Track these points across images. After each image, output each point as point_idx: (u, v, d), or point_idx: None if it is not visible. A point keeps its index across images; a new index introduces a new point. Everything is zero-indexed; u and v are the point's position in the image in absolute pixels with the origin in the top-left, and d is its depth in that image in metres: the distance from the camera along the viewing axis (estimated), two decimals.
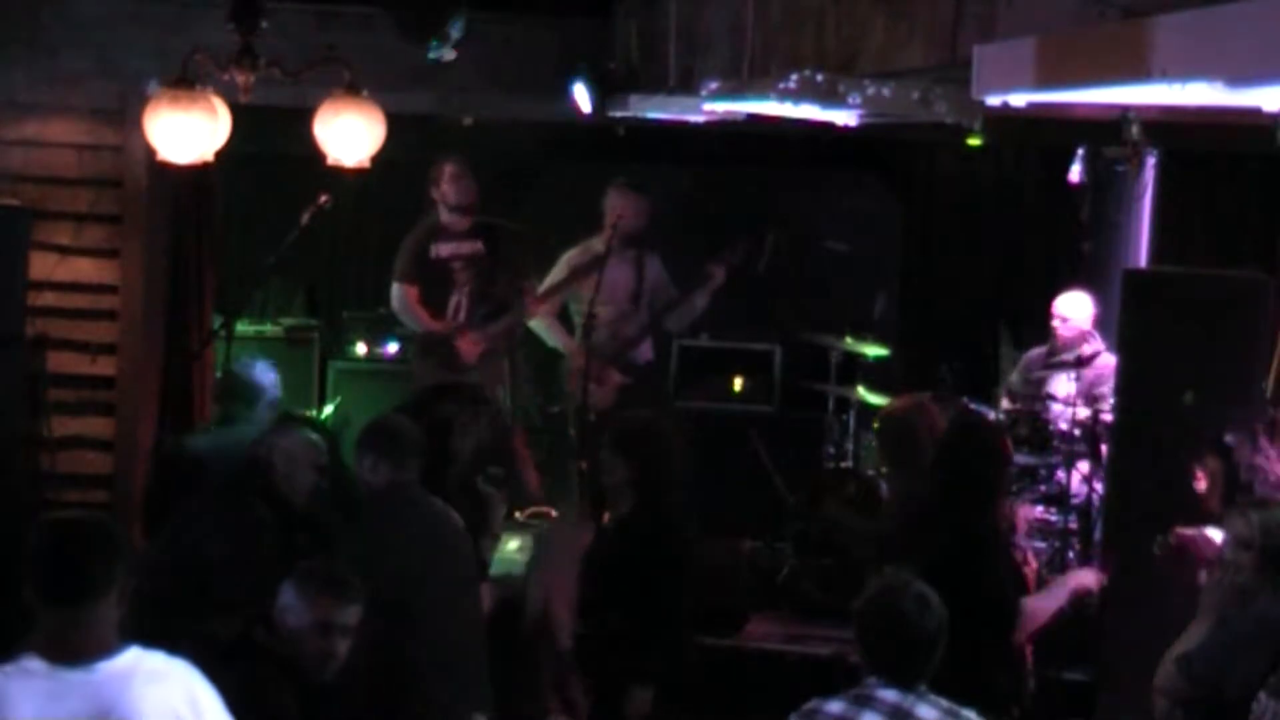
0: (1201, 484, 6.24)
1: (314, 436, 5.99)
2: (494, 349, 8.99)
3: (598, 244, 9.03)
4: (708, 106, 7.03)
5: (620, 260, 9.04)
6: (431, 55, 7.32)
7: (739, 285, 9.25)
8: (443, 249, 8.98)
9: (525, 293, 8.94)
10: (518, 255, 9.06)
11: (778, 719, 4.43)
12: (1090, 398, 8.41)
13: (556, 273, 9.16)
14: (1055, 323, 8.83)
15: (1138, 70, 3.16)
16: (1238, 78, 2.96)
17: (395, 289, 8.99)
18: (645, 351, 9.31)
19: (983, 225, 11.10)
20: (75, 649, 3.70)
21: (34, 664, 3.69)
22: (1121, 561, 7.26)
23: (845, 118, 6.09)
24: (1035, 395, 8.71)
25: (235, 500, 5.90)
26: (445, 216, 8.98)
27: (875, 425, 6.88)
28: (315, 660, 4.79)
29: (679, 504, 6.21)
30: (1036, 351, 9.04)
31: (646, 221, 9.11)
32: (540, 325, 9.22)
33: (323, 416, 9.34)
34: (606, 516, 6.34)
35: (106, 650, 3.72)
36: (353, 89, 7.14)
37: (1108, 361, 8.55)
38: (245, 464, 6.00)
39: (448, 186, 8.92)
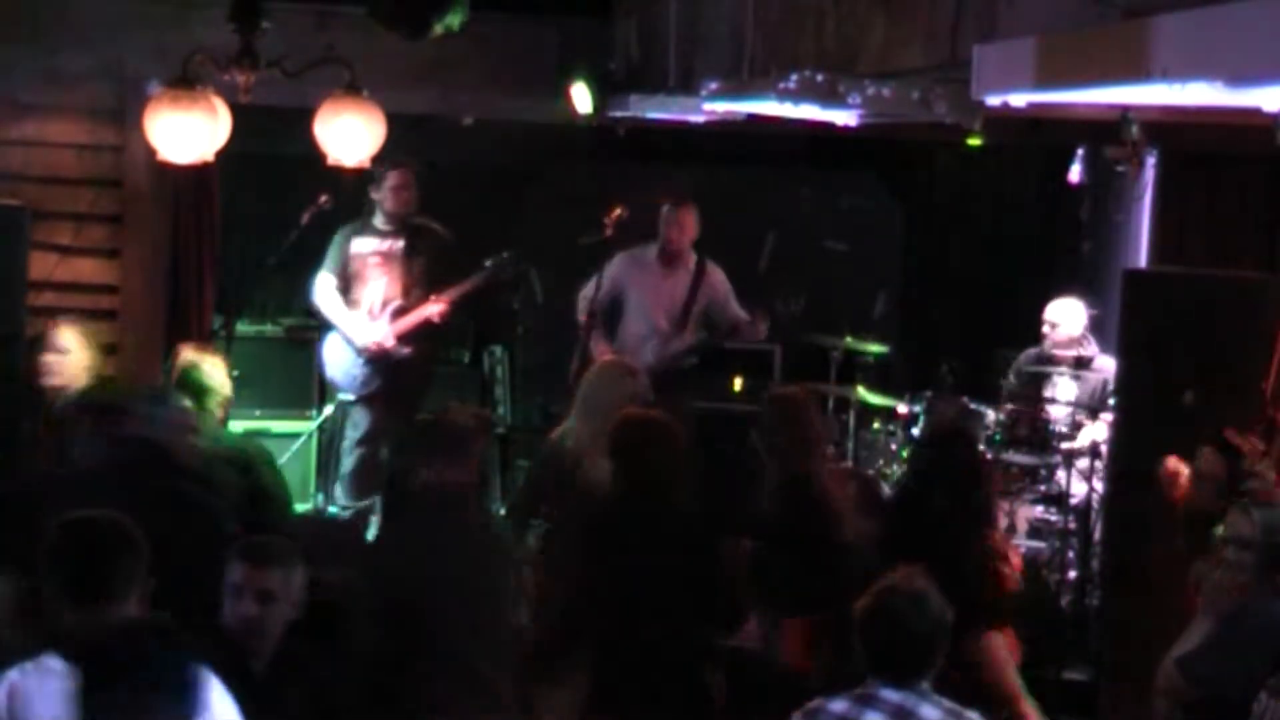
0: (1181, 479, 6.19)
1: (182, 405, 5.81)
2: (413, 353, 8.90)
3: (648, 253, 8.97)
4: (708, 106, 7.04)
5: (673, 275, 8.95)
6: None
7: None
8: (364, 244, 8.90)
9: (435, 298, 8.78)
10: (436, 259, 8.93)
11: (778, 719, 4.43)
12: (1094, 409, 8.38)
13: (594, 283, 8.99)
14: (1045, 328, 8.85)
15: (1138, 70, 3.16)
16: (1238, 78, 2.96)
17: (318, 278, 8.86)
18: None
19: (983, 225, 11.11)
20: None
21: (53, 663, 3.69)
22: (1122, 561, 7.27)
23: (845, 118, 6.08)
24: (1032, 395, 8.70)
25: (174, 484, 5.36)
26: (377, 219, 8.91)
27: (765, 403, 6.84)
28: (236, 627, 4.53)
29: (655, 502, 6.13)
30: (1031, 351, 9.04)
31: (695, 235, 8.94)
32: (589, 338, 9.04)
33: (322, 416, 9.32)
34: None
35: None
36: (353, 89, 7.13)
37: (1106, 365, 8.55)
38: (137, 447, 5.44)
39: (389, 194, 8.81)
